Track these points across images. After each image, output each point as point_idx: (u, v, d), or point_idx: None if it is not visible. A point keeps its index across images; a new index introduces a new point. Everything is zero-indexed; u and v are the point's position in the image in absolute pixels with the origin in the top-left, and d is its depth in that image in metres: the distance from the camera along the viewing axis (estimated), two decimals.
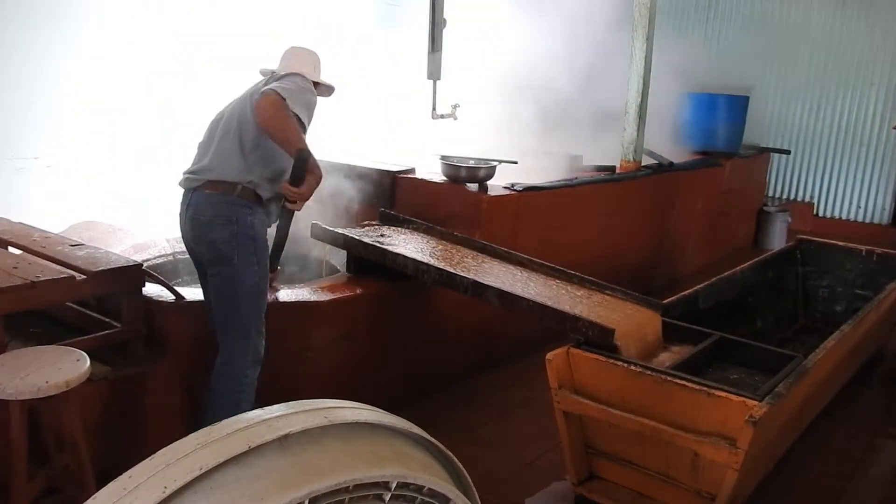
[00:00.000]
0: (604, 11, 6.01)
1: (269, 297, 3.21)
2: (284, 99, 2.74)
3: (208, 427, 1.05)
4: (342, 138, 5.02)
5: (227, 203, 2.81)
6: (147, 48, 5.11)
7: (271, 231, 3.13)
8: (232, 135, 2.88)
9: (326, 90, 3.22)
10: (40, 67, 4.62)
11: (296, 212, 3.11)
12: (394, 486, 1.13)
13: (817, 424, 3.54)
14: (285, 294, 3.31)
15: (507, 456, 3.37)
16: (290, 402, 1.17)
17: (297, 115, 2.78)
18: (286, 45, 3.21)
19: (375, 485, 1.11)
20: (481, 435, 3.54)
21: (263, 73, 3.13)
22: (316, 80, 3.11)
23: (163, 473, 0.95)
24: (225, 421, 1.07)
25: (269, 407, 1.13)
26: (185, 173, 2.93)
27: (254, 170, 2.85)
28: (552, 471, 3.23)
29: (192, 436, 1.03)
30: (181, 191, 2.94)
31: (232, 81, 2.99)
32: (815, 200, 8.60)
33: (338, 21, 6.44)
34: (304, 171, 2.83)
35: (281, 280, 3.47)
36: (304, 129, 2.87)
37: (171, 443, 1.08)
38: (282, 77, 2.92)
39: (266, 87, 2.81)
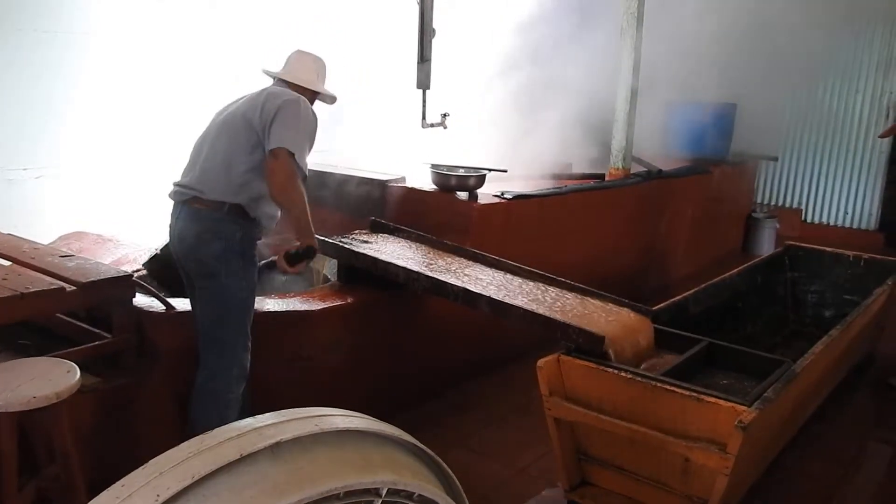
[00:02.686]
0: (594, 18, 6.07)
1: (257, 307, 3.20)
2: (295, 159, 2.72)
3: (200, 436, 1.06)
4: (333, 146, 5.04)
5: (214, 219, 2.77)
6: (138, 59, 5.12)
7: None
8: (221, 155, 2.82)
9: (329, 99, 3.18)
10: (31, 80, 4.62)
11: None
12: (384, 492, 1.14)
13: (808, 428, 3.57)
14: (276, 303, 3.31)
15: (499, 463, 3.37)
16: (282, 411, 1.17)
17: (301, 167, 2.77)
18: (280, 52, 3.14)
19: (366, 492, 1.12)
20: (473, 442, 3.55)
21: (266, 73, 3.08)
22: (318, 90, 3.08)
23: (155, 482, 0.96)
24: (217, 430, 1.08)
25: (260, 415, 1.14)
26: (174, 185, 2.90)
27: (241, 194, 2.79)
28: (544, 477, 3.24)
29: (184, 444, 1.04)
30: (171, 202, 2.92)
31: (225, 90, 2.97)
32: (803, 207, 8.67)
33: (329, 31, 6.46)
34: (306, 260, 2.83)
35: (272, 289, 3.47)
36: (304, 178, 2.84)
37: (162, 453, 1.09)
38: (280, 107, 2.80)
39: (273, 142, 2.73)
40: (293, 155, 2.72)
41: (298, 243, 2.83)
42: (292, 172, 2.72)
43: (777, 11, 7.30)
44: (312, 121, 2.90)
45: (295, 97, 2.88)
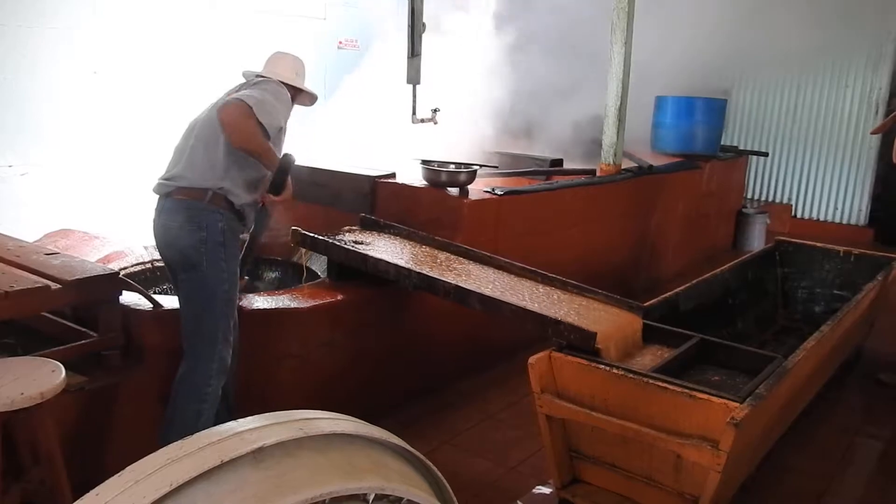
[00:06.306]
0: (585, 14, 6.06)
1: (246, 305, 3.18)
2: (251, 107, 2.72)
3: (179, 441, 1.03)
4: (322, 143, 5.00)
5: (196, 209, 2.80)
6: (122, 56, 5.06)
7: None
8: (204, 141, 2.86)
9: (308, 98, 3.22)
10: (15, 75, 4.56)
11: (269, 219, 3.12)
12: (371, 498, 1.11)
13: (798, 424, 3.57)
14: (265, 301, 3.28)
15: (490, 461, 3.36)
16: (265, 414, 1.14)
17: (262, 125, 2.77)
18: (270, 51, 3.19)
19: (353, 497, 1.09)
20: (464, 440, 3.53)
21: (246, 75, 3.12)
22: (297, 85, 3.10)
23: (132, 490, 0.93)
24: (196, 434, 1.04)
25: (242, 419, 1.11)
26: (159, 179, 2.92)
27: (226, 177, 2.83)
28: (536, 475, 3.22)
29: (162, 450, 1.01)
30: (155, 196, 2.92)
31: (211, 86, 2.96)
32: (793, 202, 8.69)
33: (319, 28, 6.43)
34: (286, 179, 2.83)
35: (261, 287, 3.44)
36: (269, 138, 2.83)
37: (149, 453, 1.06)
38: (254, 84, 2.91)
39: (233, 96, 2.79)
40: (248, 106, 2.72)
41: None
42: (244, 114, 2.71)
43: (767, 7, 7.32)
44: (282, 97, 2.94)
45: (268, 79, 2.98)
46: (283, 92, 2.97)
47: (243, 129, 2.72)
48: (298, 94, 3.16)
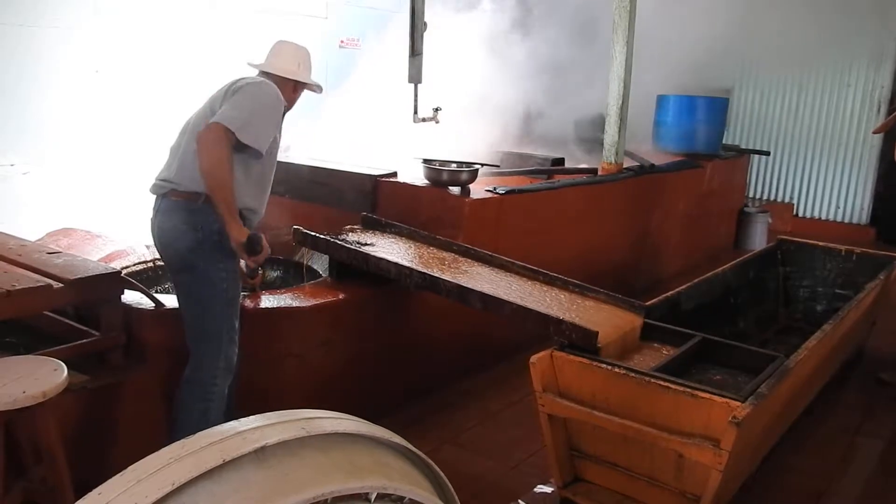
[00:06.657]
0: (587, 12, 6.06)
1: (252, 304, 3.19)
2: (233, 132, 2.66)
3: (181, 440, 1.03)
4: (324, 142, 5.00)
5: (191, 211, 2.76)
6: (123, 55, 5.06)
7: None
8: (193, 145, 2.78)
9: (317, 88, 3.16)
10: (16, 74, 4.56)
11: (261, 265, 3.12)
12: (374, 497, 1.11)
13: (798, 424, 3.56)
14: (266, 300, 3.28)
15: (491, 460, 3.36)
16: (267, 413, 1.14)
17: (249, 146, 2.72)
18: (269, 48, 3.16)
19: (355, 497, 1.09)
20: (465, 440, 3.53)
21: (250, 66, 3.07)
22: (299, 79, 3.04)
23: (134, 489, 0.93)
24: (199, 434, 1.04)
25: (244, 418, 1.11)
26: (155, 179, 2.89)
27: None
28: (537, 474, 3.22)
29: (164, 450, 1.01)
30: (153, 196, 2.91)
31: (212, 86, 2.94)
32: (795, 201, 8.68)
33: (320, 27, 6.43)
34: (261, 247, 2.79)
35: (261, 286, 3.44)
36: (260, 156, 2.80)
37: (151, 453, 1.06)
38: (240, 88, 2.82)
39: (215, 117, 2.70)
40: (229, 131, 2.66)
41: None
42: (216, 141, 2.64)
43: (769, 6, 7.31)
44: (271, 103, 2.86)
45: (258, 80, 2.89)
46: (271, 93, 2.87)
47: (207, 163, 2.65)
48: (304, 86, 3.10)
